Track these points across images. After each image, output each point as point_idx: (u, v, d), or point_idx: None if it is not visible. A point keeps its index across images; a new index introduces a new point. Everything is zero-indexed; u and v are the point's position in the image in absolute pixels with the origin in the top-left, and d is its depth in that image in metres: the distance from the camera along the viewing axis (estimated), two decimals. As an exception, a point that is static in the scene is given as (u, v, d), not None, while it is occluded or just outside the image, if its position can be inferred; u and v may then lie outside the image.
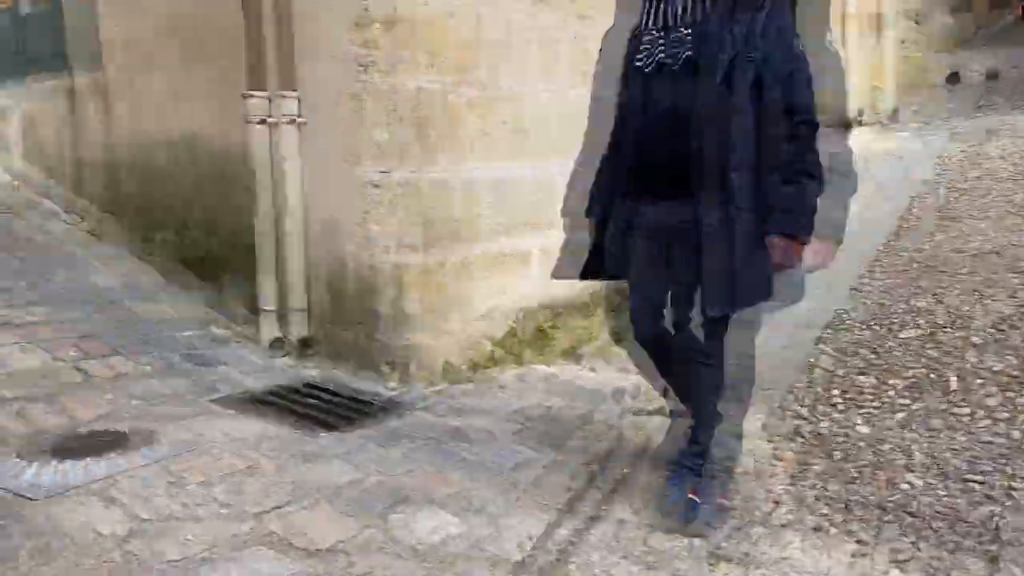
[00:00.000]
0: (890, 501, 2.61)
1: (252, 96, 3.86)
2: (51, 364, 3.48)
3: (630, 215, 2.65)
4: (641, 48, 2.58)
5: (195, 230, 4.51)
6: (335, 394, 3.59)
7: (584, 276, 2.85)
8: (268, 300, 3.98)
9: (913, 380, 3.37)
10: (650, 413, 3.40)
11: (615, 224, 2.68)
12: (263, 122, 3.87)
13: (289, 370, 3.87)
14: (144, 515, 2.42)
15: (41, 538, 2.26)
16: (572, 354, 4.17)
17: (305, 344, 3.95)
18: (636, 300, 2.71)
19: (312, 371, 3.84)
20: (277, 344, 3.97)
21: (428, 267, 3.76)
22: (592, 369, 3.99)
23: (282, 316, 3.99)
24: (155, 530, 2.35)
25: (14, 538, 2.25)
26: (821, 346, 3.77)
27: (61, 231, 5.18)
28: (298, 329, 3.96)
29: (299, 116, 3.87)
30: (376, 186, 3.62)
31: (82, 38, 5.15)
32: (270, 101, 3.87)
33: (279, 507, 2.54)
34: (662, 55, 2.53)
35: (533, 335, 4.16)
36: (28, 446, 2.80)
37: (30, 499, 2.45)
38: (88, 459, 2.71)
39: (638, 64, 2.57)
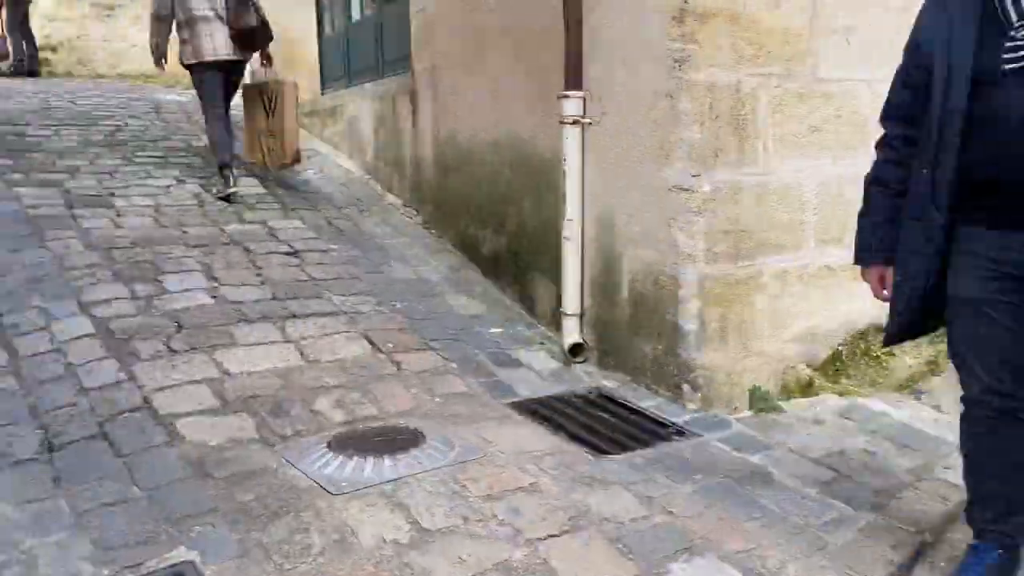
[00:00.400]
0: None
1: (567, 97, 3.79)
2: (371, 354, 3.71)
3: (995, 251, 2.03)
4: (1009, 46, 1.97)
5: (509, 228, 4.59)
6: (629, 410, 3.42)
7: (893, 341, 2.31)
8: (570, 304, 3.91)
9: None
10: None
11: (968, 262, 2.10)
12: (576, 123, 3.78)
13: (586, 378, 3.77)
14: (425, 524, 2.44)
15: (332, 536, 2.36)
16: (910, 388, 3.56)
17: (605, 352, 3.82)
18: (988, 362, 2.09)
19: (608, 382, 3.70)
20: (576, 349, 3.89)
21: (739, 279, 3.42)
22: (936, 408, 3.37)
23: (582, 320, 3.90)
24: (433, 543, 2.35)
25: (311, 532, 2.38)
26: None
27: (399, 224, 5.59)
28: (595, 335, 3.85)
29: (583, 116, 3.73)
30: (684, 189, 3.35)
31: (420, 42, 5.48)
32: (585, 101, 3.76)
33: (554, 535, 2.42)
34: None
35: (861, 362, 3.63)
36: (338, 437, 2.98)
37: (330, 493, 2.58)
38: (385, 457, 2.81)
39: (1010, 66, 1.96)
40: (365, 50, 6.94)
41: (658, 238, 3.47)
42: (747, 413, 3.38)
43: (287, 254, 4.75)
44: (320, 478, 2.67)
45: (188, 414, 3.04)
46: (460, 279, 4.82)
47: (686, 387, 3.43)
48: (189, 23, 5.59)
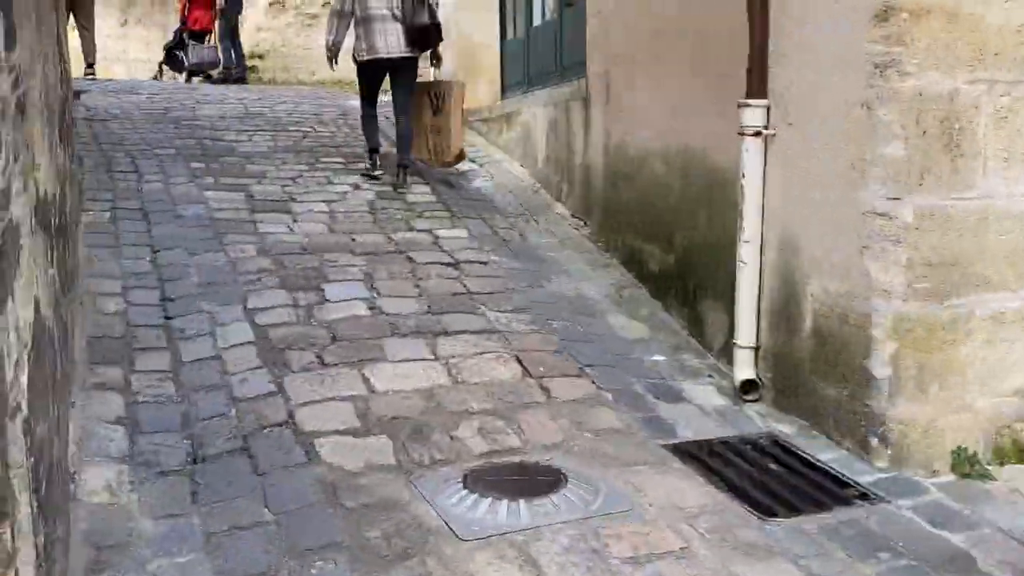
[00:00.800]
0: None
1: (748, 105, 3.42)
2: (521, 378, 3.52)
3: None
4: None
5: (679, 245, 4.25)
6: (805, 462, 3.01)
7: None
8: (743, 334, 3.53)
9: None
10: None
11: None
12: (757, 134, 3.40)
13: (758, 420, 3.38)
14: (557, 586, 2.20)
15: (454, 588, 2.18)
16: None
17: (781, 392, 3.41)
18: None
19: (783, 426, 3.29)
20: (748, 386, 3.50)
21: (944, 320, 2.92)
22: None
23: (756, 355, 3.51)
24: (562, 609, 2.11)
25: (432, 580, 2.21)
26: None
27: (565, 236, 5.37)
28: (771, 371, 3.45)
29: (765, 127, 3.34)
30: (880, 214, 2.90)
31: (595, 46, 5.24)
32: (768, 111, 3.38)
33: (702, 617, 2.11)
34: None
35: (1099, 426, 3.01)
36: (475, 471, 2.80)
37: (459, 537, 2.41)
38: (521, 501, 2.60)
39: None
40: (544, 55, 6.79)
41: (849, 268, 3.03)
42: (948, 478, 2.88)
43: (448, 265, 4.66)
44: (451, 518, 2.50)
45: (329, 433, 2.98)
46: (624, 298, 4.53)
47: (874, 441, 2.97)
48: (365, 21, 5.73)
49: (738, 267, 3.53)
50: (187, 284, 4.14)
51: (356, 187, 5.92)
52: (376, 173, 5.94)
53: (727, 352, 3.68)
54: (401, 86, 6.00)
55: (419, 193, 5.96)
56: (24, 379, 1.85)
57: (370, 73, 5.92)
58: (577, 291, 4.57)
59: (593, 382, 3.54)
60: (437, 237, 5.12)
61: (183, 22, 10.92)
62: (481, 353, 3.68)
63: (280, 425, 3.01)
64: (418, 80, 6.25)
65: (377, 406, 3.17)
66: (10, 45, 2.08)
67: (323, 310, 3.95)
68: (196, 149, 6.47)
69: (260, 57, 12.84)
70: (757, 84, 3.39)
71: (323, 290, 4.16)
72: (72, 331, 3.34)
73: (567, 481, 2.74)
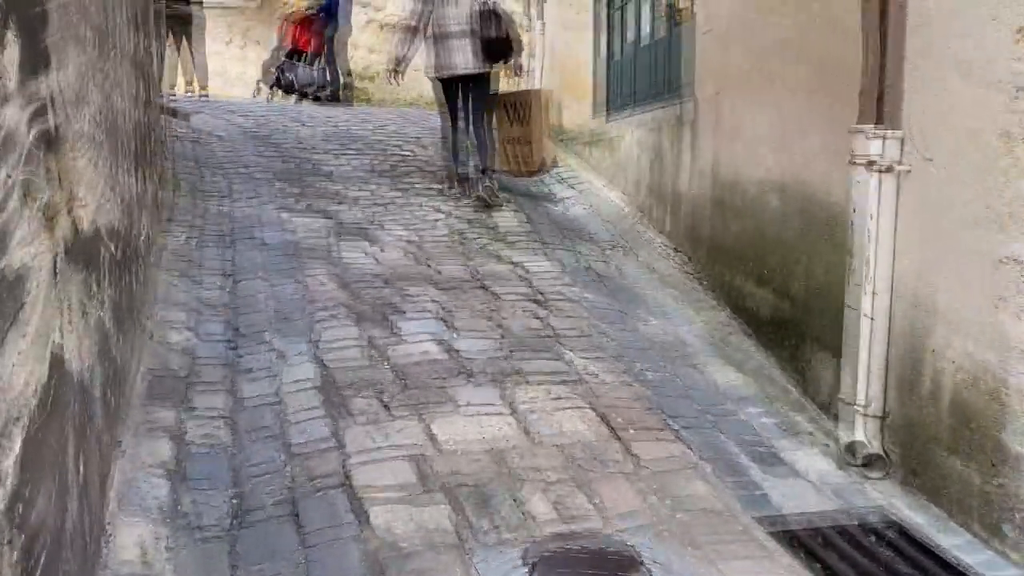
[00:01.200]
0: None
1: (868, 134, 2.96)
2: (601, 435, 3.15)
3: None
4: None
5: (789, 288, 3.78)
6: (934, 557, 2.52)
7: None
8: (860, 397, 3.05)
9: None
10: None
11: None
12: (879, 168, 2.94)
13: (876, 497, 2.90)
14: None
15: None
16: None
17: (903, 466, 2.92)
18: None
19: (906, 509, 2.80)
20: (866, 458, 3.02)
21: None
22: None
23: (875, 421, 3.03)
24: None
25: None
26: None
27: (664, 271, 4.97)
28: (891, 440, 2.96)
29: (899, 162, 2.86)
30: (1018, 262, 2.41)
31: (703, 66, 4.83)
32: (892, 141, 2.91)
33: None
34: None
35: None
36: (540, 556, 2.45)
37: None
38: (588, 594, 2.24)
39: None
40: (648, 75, 6.40)
41: (982, 325, 2.54)
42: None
43: (533, 301, 4.34)
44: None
45: (384, 495, 2.69)
46: (726, 344, 4.09)
47: (1008, 530, 2.46)
48: (440, 37, 5.69)
49: (847, 316, 3.07)
50: (259, 316, 3.98)
51: (446, 214, 5.70)
52: (460, 195, 5.88)
53: (842, 414, 3.21)
54: (477, 100, 5.94)
55: (509, 220, 5.69)
56: (16, 447, 1.63)
57: (448, 90, 5.89)
58: (674, 334, 4.16)
59: (686, 444, 3.14)
60: (524, 269, 4.82)
61: (291, 43, 11.09)
62: (560, 404, 3.33)
63: (333, 483, 2.74)
64: (497, 91, 6.19)
65: (439, 464, 2.87)
66: (34, 70, 1.90)
67: (394, 348, 3.69)
68: (293, 173, 6.40)
69: (370, 79, 12.91)
70: (882, 111, 2.94)
71: (397, 326, 3.92)
72: (131, 367, 3.19)
73: (642, 568, 2.36)
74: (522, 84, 6.37)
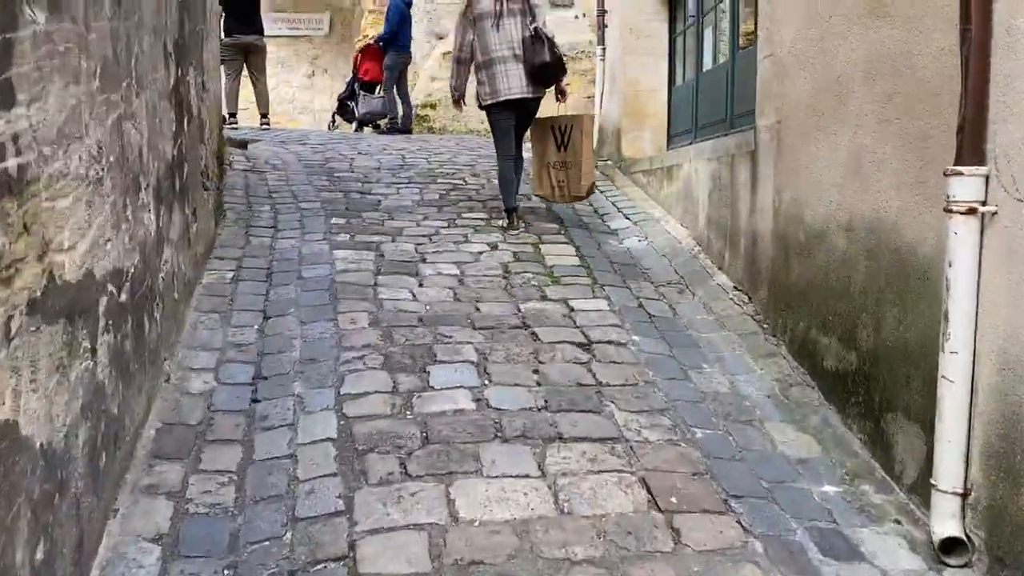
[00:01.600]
0: None
1: (959, 174, 2.57)
2: (640, 506, 2.80)
3: None
4: None
5: (861, 340, 3.37)
6: None
7: None
8: (945, 475, 2.64)
9: None
10: None
11: None
12: (972, 212, 2.55)
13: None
14: None
15: None
16: None
17: (1001, 561, 2.49)
18: None
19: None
20: (953, 547, 2.60)
21: None
22: None
23: (964, 503, 2.61)
24: None
25: None
26: None
27: (724, 313, 4.58)
28: (986, 529, 2.53)
29: (983, 202, 2.47)
30: None
31: (765, 92, 4.47)
32: (988, 181, 2.52)
33: None
34: None
35: None
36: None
37: None
38: None
39: None
40: (712, 103, 6.06)
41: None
42: None
43: (578, 346, 4.02)
44: None
45: (390, 577, 2.40)
46: (790, 400, 3.69)
47: None
48: (487, 64, 5.69)
49: (940, 383, 2.66)
50: (286, 359, 3.76)
51: (492, 247, 5.44)
52: (508, 226, 5.75)
53: (922, 489, 2.80)
54: (522, 126, 5.92)
55: (559, 253, 5.40)
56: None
57: (499, 116, 5.80)
58: (732, 387, 3.78)
59: (740, 523, 2.76)
60: (572, 308, 4.51)
61: (355, 73, 11.08)
62: (596, 467, 3.00)
63: (336, 559, 2.47)
64: (538, 115, 6.08)
65: (456, 541, 2.57)
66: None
67: (422, 399, 3.42)
68: (341, 203, 6.25)
69: (432, 107, 12.86)
70: (971, 146, 2.55)
71: (428, 373, 3.65)
72: (138, 418, 3.00)
73: None
74: (562, 108, 6.19)
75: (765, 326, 4.32)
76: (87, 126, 2.45)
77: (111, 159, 2.72)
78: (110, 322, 2.65)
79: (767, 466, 3.16)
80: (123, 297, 2.84)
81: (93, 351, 2.47)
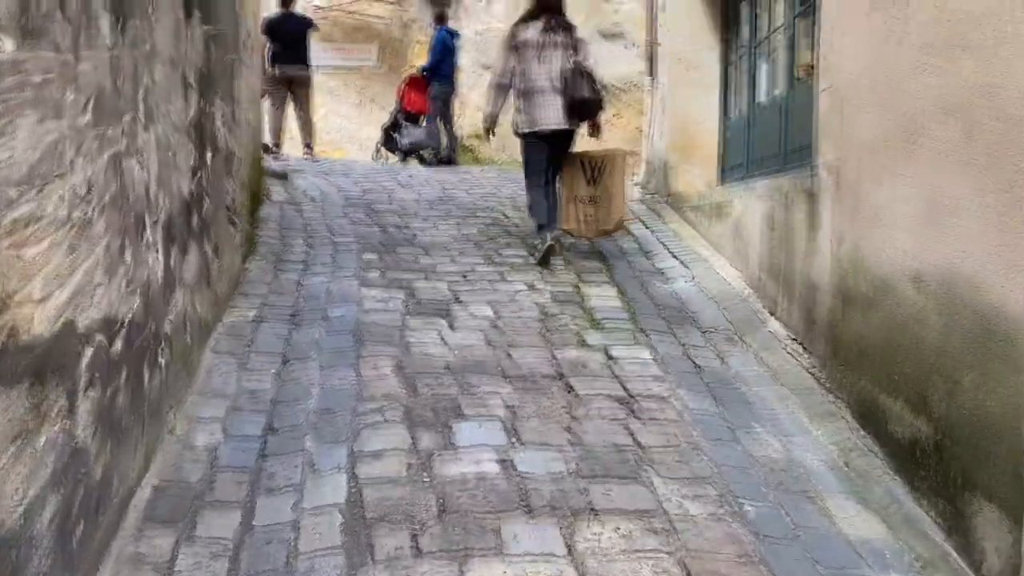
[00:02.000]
0: None
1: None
2: (685, 600, 2.46)
3: None
4: None
5: (934, 406, 2.99)
6: None
7: None
8: (1042, 577, 2.26)
9: None
10: None
11: None
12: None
13: None
14: None
15: None
16: None
17: None
18: None
19: None
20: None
21: None
22: None
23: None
24: None
25: None
26: None
27: (778, 366, 4.22)
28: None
29: None
30: None
31: (824, 128, 4.12)
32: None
33: None
34: None
35: None
36: None
37: None
38: None
39: None
40: (766, 137, 5.73)
41: None
42: None
43: (617, 401, 3.70)
44: None
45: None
46: (853, 469, 3.31)
47: None
48: (527, 93, 5.63)
49: (1034, 467, 2.29)
50: (300, 410, 3.51)
51: (530, 287, 5.16)
52: (542, 255, 5.55)
53: (1012, 589, 2.41)
54: (556, 158, 5.81)
55: (602, 295, 5.10)
56: None
57: (533, 146, 5.73)
58: (786, 453, 3.42)
59: (792, 619, 2.41)
60: (611, 357, 4.19)
61: (399, 103, 10.97)
62: (631, 548, 2.66)
63: (329, 653, 2.19)
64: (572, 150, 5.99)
65: (466, 636, 2.26)
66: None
67: (442, 460, 3.13)
68: (376, 238, 6.05)
69: (478, 137, 12.71)
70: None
71: (451, 429, 3.36)
72: (129, 479, 2.76)
73: None
74: (594, 144, 6.05)
75: (825, 383, 3.94)
76: (72, 163, 2.24)
77: (105, 198, 2.51)
78: (97, 376, 2.43)
79: (826, 549, 2.79)
80: (117, 347, 2.62)
81: (71, 410, 2.24)
